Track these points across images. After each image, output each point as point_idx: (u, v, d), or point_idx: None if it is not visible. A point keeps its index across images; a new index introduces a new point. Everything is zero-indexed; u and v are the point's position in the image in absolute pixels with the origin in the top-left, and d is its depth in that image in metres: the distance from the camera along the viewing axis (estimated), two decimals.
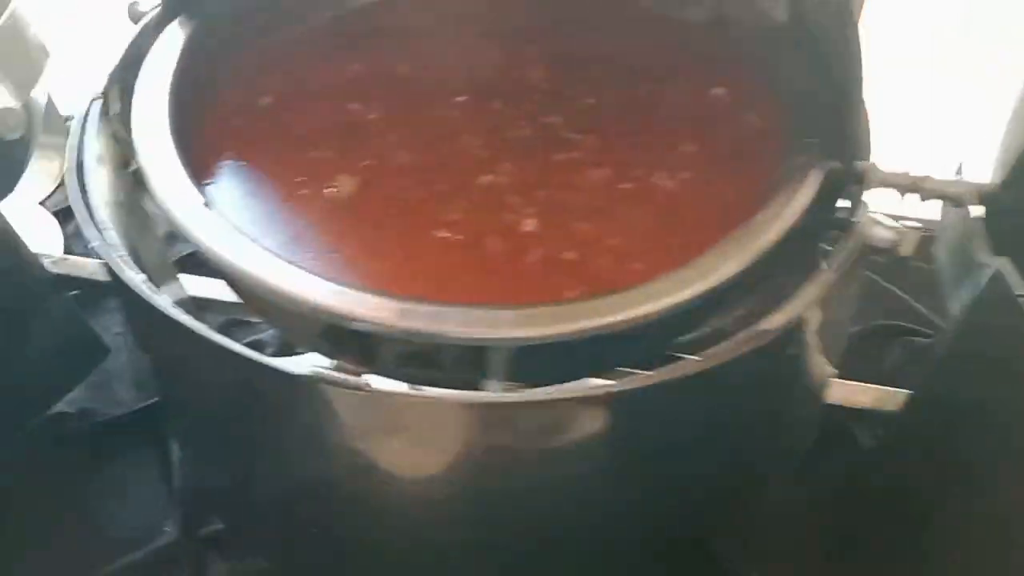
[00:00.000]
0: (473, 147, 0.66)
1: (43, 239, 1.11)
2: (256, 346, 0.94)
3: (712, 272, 0.53)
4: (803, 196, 0.57)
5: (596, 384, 0.57)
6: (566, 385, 0.58)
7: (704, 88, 0.70)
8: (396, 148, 0.66)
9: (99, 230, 0.56)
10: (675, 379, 0.50)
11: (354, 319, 0.50)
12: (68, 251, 1.10)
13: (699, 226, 0.60)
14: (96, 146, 0.62)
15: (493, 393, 0.53)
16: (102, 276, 0.98)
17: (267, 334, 0.96)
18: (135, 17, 0.71)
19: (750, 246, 0.54)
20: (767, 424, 0.63)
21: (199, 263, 0.88)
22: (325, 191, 0.62)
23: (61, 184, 1.14)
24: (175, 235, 0.60)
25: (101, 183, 0.61)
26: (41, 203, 1.14)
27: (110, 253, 0.55)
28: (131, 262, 0.55)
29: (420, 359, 0.52)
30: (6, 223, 0.81)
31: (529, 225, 0.60)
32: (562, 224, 0.60)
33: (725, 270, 0.53)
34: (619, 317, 0.50)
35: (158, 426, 0.88)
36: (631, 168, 0.63)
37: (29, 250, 0.85)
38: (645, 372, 0.52)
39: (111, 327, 0.99)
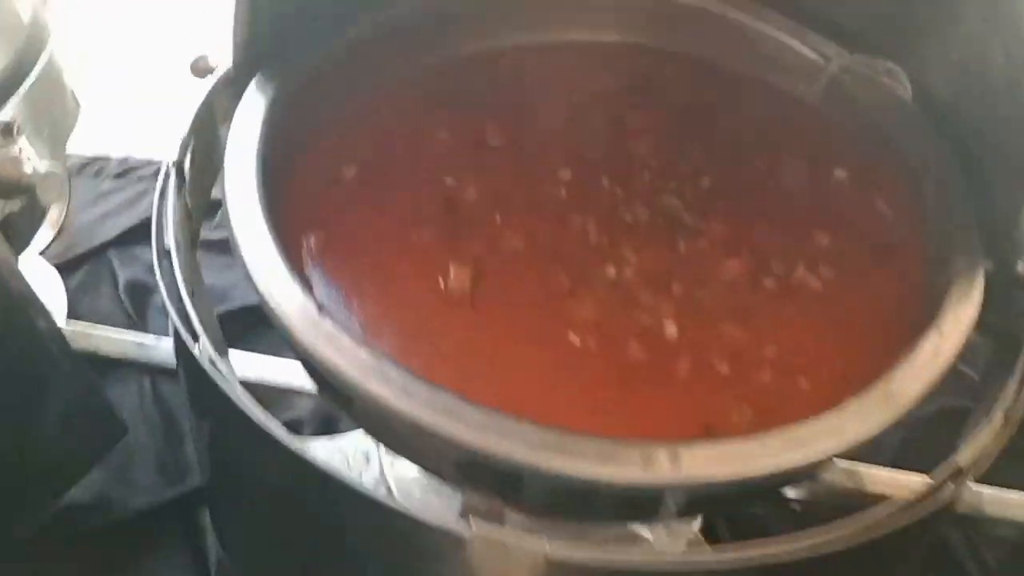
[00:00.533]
0: (588, 232, 0.59)
1: (43, 293, 1.01)
2: (295, 425, 0.87)
3: (898, 396, 0.47)
4: (970, 306, 0.52)
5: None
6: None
7: (824, 169, 0.65)
8: (504, 232, 0.59)
9: (215, 356, 0.48)
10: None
11: (509, 458, 0.43)
12: (72, 307, 1.00)
13: (857, 333, 0.55)
14: (174, 226, 0.54)
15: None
16: (134, 354, 0.90)
17: (306, 411, 0.88)
18: (201, 72, 0.63)
19: (931, 366, 0.49)
20: None
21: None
22: (438, 284, 0.55)
23: (61, 232, 1.05)
24: None
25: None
26: (41, 253, 1.04)
27: (234, 390, 0.47)
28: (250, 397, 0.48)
29: (578, 498, 0.46)
30: (27, 287, 0.72)
31: (670, 328, 0.54)
32: (706, 327, 0.54)
33: (910, 393, 0.48)
34: (816, 453, 0.44)
35: (191, 519, 0.79)
36: (766, 260, 0.58)
37: (50, 317, 0.76)
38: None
39: (125, 400, 0.89)
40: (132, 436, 0.85)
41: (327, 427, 0.87)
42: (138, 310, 0.99)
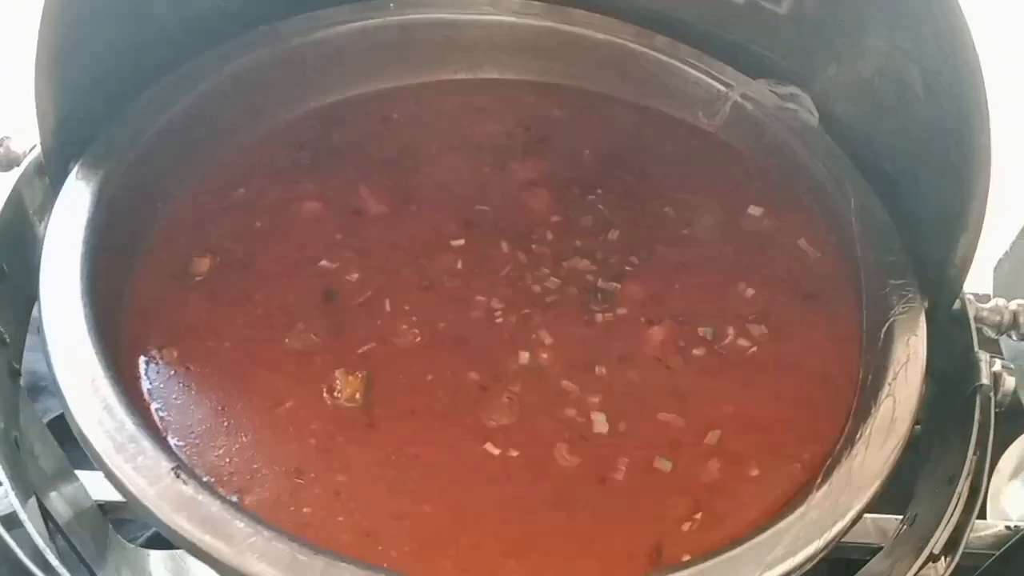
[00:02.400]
0: (494, 312, 0.52)
1: None
2: None
3: (863, 483, 0.42)
4: (918, 362, 0.48)
5: None
6: None
7: (738, 207, 0.60)
8: (396, 321, 0.51)
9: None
10: None
11: None
12: None
13: (799, 398, 0.49)
14: None
15: None
16: None
17: None
18: (3, 164, 0.52)
19: (890, 438, 0.44)
20: None
21: None
22: (323, 399, 0.46)
23: None
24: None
25: None
26: None
27: None
28: None
29: None
30: None
31: (600, 422, 0.47)
32: (639, 416, 0.47)
33: (872, 472, 0.43)
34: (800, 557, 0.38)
35: None
36: (691, 323, 0.52)
37: None
38: None
39: None
40: None
41: None
42: None
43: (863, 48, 0.56)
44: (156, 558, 0.66)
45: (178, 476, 0.38)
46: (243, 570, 0.36)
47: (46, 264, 0.45)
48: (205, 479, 0.41)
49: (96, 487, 0.57)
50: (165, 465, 0.38)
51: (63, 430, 0.54)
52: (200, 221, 0.55)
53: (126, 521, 0.71)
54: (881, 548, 0.52)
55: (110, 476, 0.38)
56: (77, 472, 0.53)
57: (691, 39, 0.65)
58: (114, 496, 0.61)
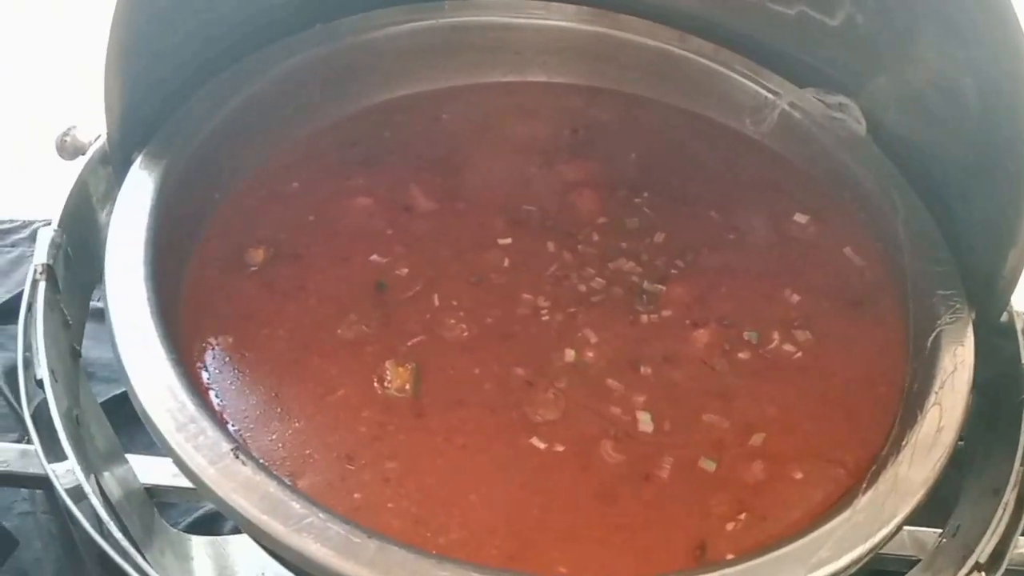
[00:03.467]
0: (540, 309, 0.53)
1: None
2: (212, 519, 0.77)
3: (908, 490, 0.42)
4: (965, 371, 0.48)
5: None
6: None
7: (783, 214, 0.60)
8: (444, 316, 0.52)
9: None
10: None
11: None
12: None
13: (843, 404, 0.49)
14: (46, 351, 0.45)
15: None
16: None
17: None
18: (70, 152, 0.54)
19: (936, 446, 0.44)
20: None
21: None
22: (373, 387, 0.47)
23: None
24: None
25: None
26: None
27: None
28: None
29: None
30: None
31: (645, 421, 0.47)
32: (683, 416, 0.48)
33: (918, 480, 0.43)
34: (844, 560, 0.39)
35: None
36: (736, 327, 0.52)
37: None
38: None
39: (13, 510, 0.78)
40: (25, 551, 0.74)
41: None
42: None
43: (914, 59, 0.56)
44: (197, 543, 0.67)
45: (237, 457, 0.39)
46: (299, 550, 0.36)
47: (111, 250, 0.46)
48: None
49: (143, 470, 0.58)
50: (225, 446, 0.39)
51: (111, 414, 0.56)
52: (254, 213, 0.56)
53: (169, 506, 0.73)
54: (917, 561, 0.51)
55: (172, 455, 0.39)
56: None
57: (739, 47, 0.66)
58: (159, 480, 0.63)
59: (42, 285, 0.46)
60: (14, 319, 0.95)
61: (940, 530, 0.50)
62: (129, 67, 0.48)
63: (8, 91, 1.21)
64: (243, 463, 0.39)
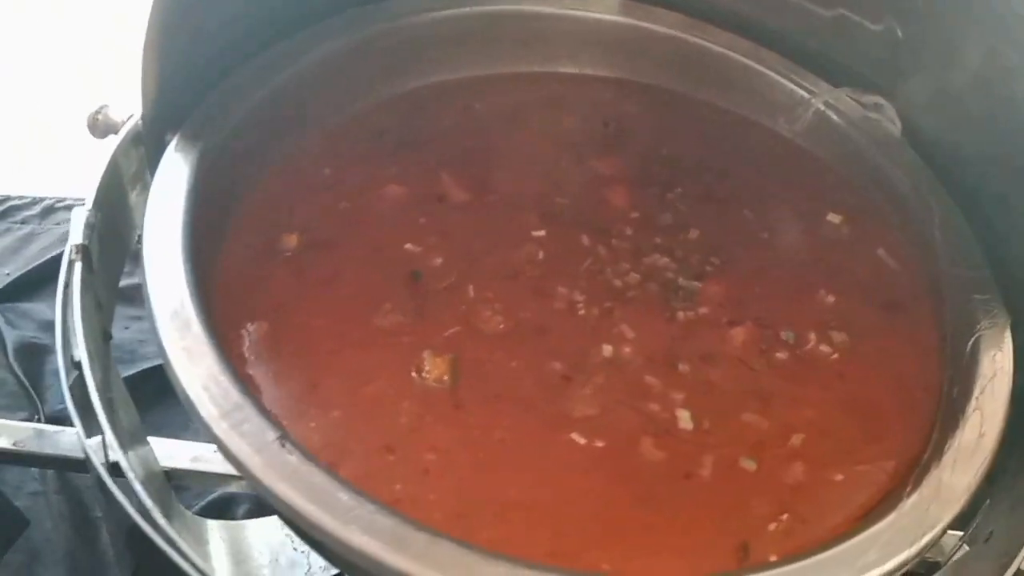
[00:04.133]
0: (575, 302, 0.52)
1: None
2: (226, 502, 0.77)
3: (951, 496, 0.42)
4: (1005, 378, 0.48)
5: None
6: None
7: (816, 215, 0.60)
8: (480, 306, 0.51)
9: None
10: None
11: None
12: None
13: (881, 407, 0.49)
14: (84, 333, 0.44)
15: None
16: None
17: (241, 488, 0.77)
18: (102, 130, 0.53)
19: (978, 451, 0.44)
20: None
21: None
22: (411, 377, 0.47)
23: None
24: None
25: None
26: None
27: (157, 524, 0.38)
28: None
29: None
30: None
31: (684, 418, 0.47)
32: (723, 415, 0.48)
33: (962, 485, 0.43)
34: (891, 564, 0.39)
35: None
36: (773, 327, 0.52)
37: None
38: None
39: (24, 489, 0.77)
40: (35, 531, 0.73)
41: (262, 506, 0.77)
42: (31, 376, 0.85)
43: (954, 62, 0.55)
44: (212, 526, 0.67)
45: (283, 445, 0.38)
46: (346, 542, 0.36)
47: (150, 234, 0.46)
48: None
49: (161, 453, 0.58)
50: (270, 434, 0.38)
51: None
52: (286, 200, 0.55)
53: (183, 489, 0.73)
54: (935, 563, 0.51)
55: (217, 442, 0.38)
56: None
57: (773, 44, 0.65)
58: (179, 464, 0.63)
59: (78, 266, 0.45)
60: (25, 297, 0.95)
61: (960, 533, 0.50)
62: (168, 47, 0.48)
63: (8, 91, 1.20)
64: (289, 452, 0.38)
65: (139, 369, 0.81)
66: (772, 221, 0.59)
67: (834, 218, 0.60)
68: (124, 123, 0.52)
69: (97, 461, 0.41)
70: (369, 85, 0.61)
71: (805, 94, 0.63)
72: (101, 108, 0.53)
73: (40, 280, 0.91)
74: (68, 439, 0.79)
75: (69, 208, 1.00)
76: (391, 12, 0.62)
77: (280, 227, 0.53)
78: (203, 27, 0.51)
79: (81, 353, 0.42)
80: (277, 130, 0.57)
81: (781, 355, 0.51)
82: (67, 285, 0.45)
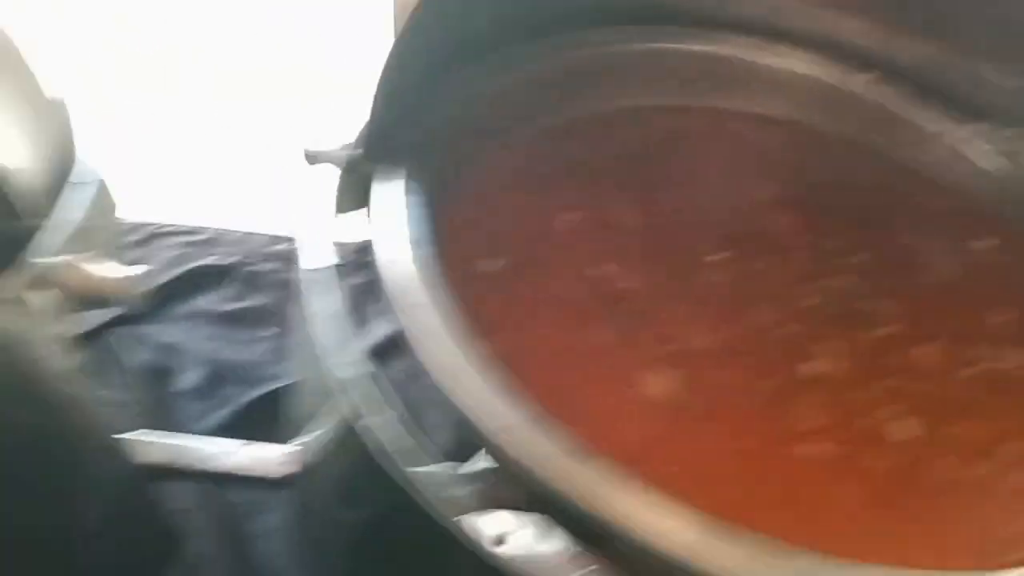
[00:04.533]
0: (768, 322, 0.54)
1: None
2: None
3: None
4: None
5: None
6: None
7: (969, 239, 0.63)
8: (684, 327, 0.53)
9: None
10: None
11: None
12: None
13: None
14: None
15: None
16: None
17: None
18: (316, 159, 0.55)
19: None
20: None
21: None
22: (642, 391, 0.49)
23: None
24: None
25: None
26: None
27: None
28: None
29: None
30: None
31: (899, 431, 0.49)
32: (935, 426, 0.49)
33: None
34: None
35: None
36: (958, 345, 0.55)
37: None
38: None
39: (183, 504, 0.76)
40: (196, 548, 0.73)
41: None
42: (156, 399, 0.85)
43: None
44: None
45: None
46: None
47: (385, 266, 0.47)
48: None
49: None
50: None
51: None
52: (480, 221, 0.57)
53: None
54: None
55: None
56: None
57: (906, 80, 0.69)
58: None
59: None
60: (143, 320, 0.92)
61: None
62: (401, 78, 0.50)
63: None
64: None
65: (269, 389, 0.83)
66: (927, 247, 0.62)
67: (987, 243, 0.62)
68: (339, 152, 0.54)
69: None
70: (552, 109, 0.64)
71: (938, 129, 0.67)
72: (318, 137, 0.54)
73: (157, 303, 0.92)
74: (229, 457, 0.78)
75: None
76: (580, 42, 0.65)
77: (481, 252, 0.55)
78: (431, 56, 0.53)
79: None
80: (468, 153, 0.59)
81: (968, 371, 0.53)
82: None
